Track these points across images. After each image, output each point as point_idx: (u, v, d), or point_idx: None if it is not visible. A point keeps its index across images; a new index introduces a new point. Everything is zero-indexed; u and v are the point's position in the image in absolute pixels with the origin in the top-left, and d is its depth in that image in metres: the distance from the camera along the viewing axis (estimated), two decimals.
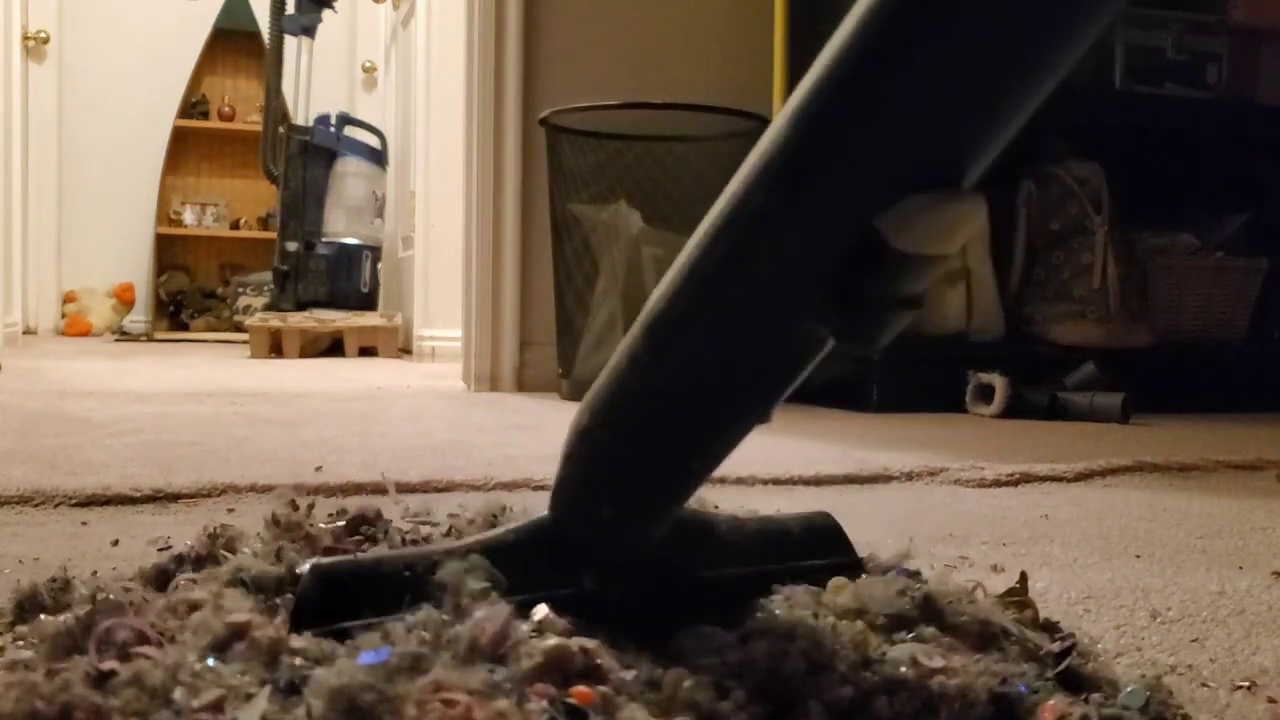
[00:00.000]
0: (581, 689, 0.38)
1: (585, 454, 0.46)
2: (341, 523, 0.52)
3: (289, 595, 0.46)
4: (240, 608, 0.42)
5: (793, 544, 0.53)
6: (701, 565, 0.50)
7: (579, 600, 0.44)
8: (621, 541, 0.47)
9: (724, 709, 0.38)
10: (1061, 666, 0.44)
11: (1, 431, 1.42)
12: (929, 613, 0.46)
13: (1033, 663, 0.44)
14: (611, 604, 0.46)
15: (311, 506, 0.53)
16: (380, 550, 0.51)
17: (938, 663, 0.40)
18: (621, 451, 0.45)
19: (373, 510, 0.54)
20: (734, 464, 1.17)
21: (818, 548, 0.53)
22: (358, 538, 0.51)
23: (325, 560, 0.44)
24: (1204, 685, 0.51)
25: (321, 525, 0.52)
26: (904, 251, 0.36)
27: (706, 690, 0.39)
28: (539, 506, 0.64)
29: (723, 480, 1.10)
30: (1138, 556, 0.82)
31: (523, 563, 0.45)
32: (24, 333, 4.14)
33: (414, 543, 0.52)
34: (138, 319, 5.32)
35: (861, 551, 0.56)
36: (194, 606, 0.43)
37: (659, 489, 0.46)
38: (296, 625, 0.41)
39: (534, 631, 0.40)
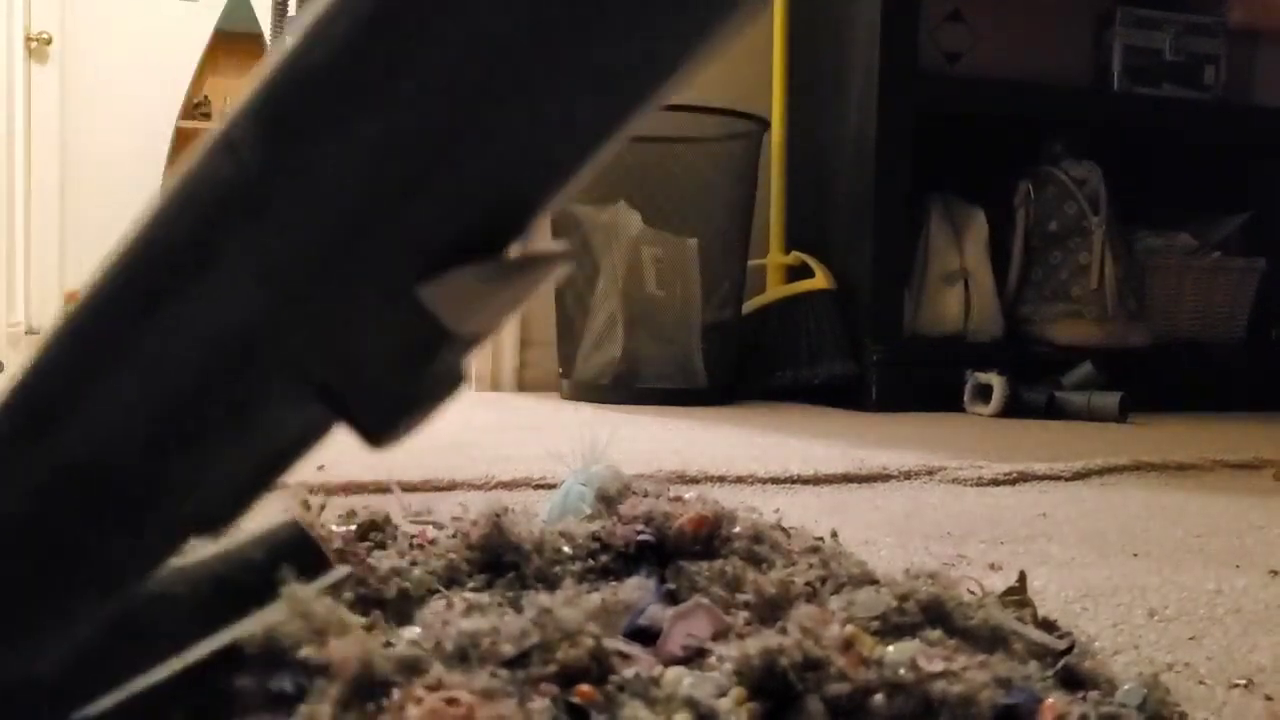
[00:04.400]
0: (584, 687, 0.38)
1: None
2: (352, 526, 0.53)
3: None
4: None
5: (262, 578, 0.38)
6: (149, 662, 0.34)
7: None
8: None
9: (723, 706, 0.38)
10: (1059, 665, 0.45)
11: None
12: (935, 616, 0.46)
13: (1036, 661, 0.45)
14: None
15: (324, 507, 0.53)
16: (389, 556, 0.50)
17: (938, 666, 0.41)
18: None
19: (382, 515, 0.54)
20: (733, 462, 1.17)
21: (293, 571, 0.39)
22: (367, 544, 0.52)
23: None
24: (1201, 683, 0.52)
25: (333, 527, 0.52)
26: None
27: (706, 687, 0.39)
28: (539, 505, 0.65)
29: (722, 478, 1.10)
30: (1135, 555, 0.82)
31: None
32: (26, 333, 4.14)
33: (419, 547, 0.52)
34: None
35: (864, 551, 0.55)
36: None
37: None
38: None
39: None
